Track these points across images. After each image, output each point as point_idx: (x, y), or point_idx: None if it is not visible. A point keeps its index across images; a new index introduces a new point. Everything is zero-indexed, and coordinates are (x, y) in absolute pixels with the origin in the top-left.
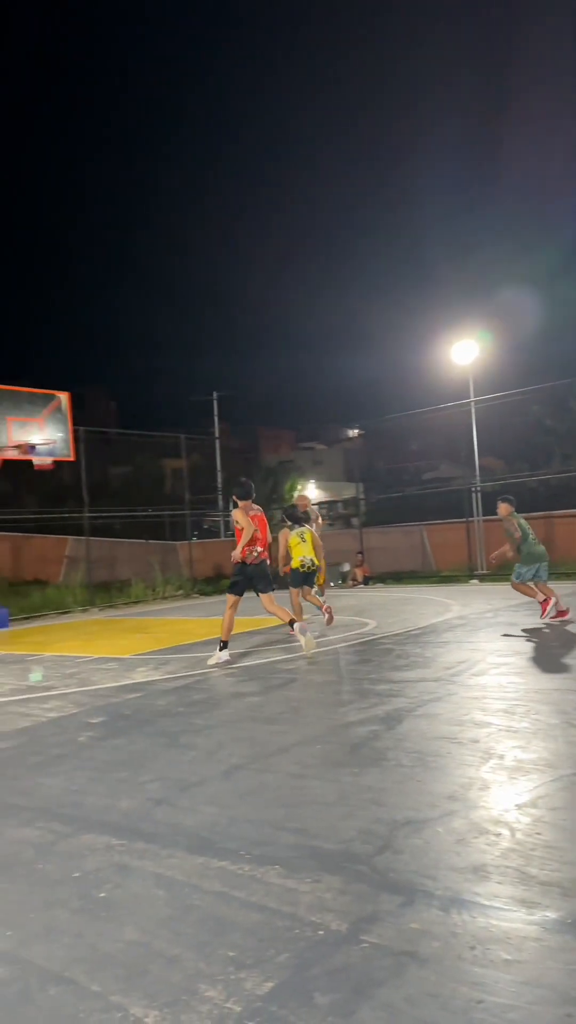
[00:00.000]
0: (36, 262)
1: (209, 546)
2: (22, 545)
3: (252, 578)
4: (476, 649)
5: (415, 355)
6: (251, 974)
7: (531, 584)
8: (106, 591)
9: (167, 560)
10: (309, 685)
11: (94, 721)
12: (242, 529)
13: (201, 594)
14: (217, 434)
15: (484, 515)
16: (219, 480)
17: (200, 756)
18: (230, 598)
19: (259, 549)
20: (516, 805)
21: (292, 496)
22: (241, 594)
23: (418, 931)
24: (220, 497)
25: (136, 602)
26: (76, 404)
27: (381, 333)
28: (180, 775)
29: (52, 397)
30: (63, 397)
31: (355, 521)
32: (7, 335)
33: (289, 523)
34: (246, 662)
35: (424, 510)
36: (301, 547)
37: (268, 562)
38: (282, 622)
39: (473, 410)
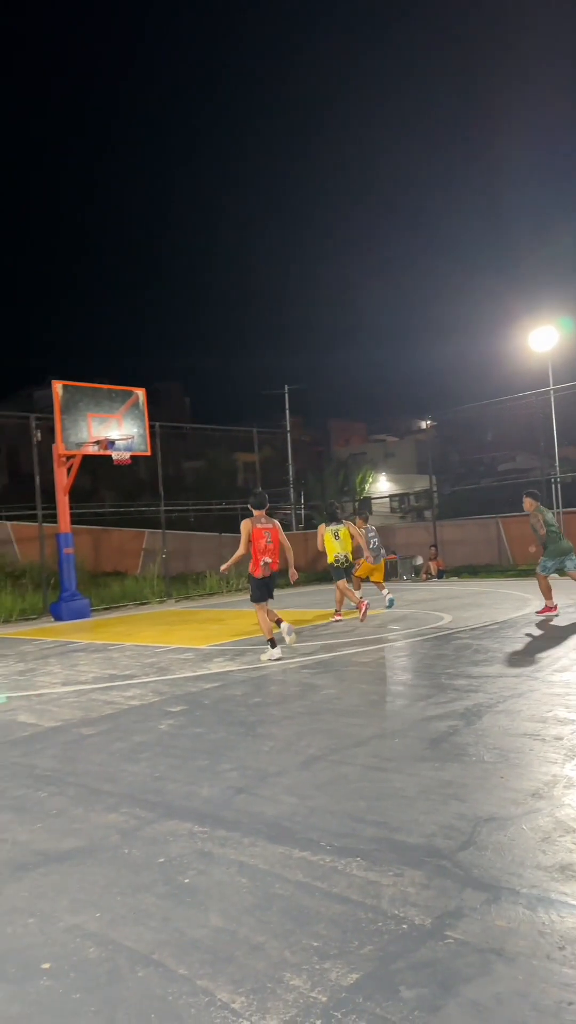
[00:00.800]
0: (114, 264)
1: None
2: (102, 538)
3: (267, 588)
4: (558, 645)
5: (490, 343)
6: (335, 965)
7: (555, 576)
8: (182, 583)
9: None
10: (385, 679)
11: (174, 710)
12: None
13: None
14: (288, 427)
15: (565, 507)
16: (291, 473)
17: (278, 746)
18: (256, 605)
19: (268, 560)
20: None
21: (363, 489)
22: (263, 599)
23: (504, 929)
24: (291, 490)
25: (211, 594)
26: (152, 400)
27: (455, 321)
28: (259, 764)
29: (130, 394)
30: (140, 393)
31: (428, 514)
32: (88, 334)
33: (325, 520)
34: (321, 655)
35: (500, 502)
36: (335, 544)
37: (276, 572)
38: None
39: (552, 398)
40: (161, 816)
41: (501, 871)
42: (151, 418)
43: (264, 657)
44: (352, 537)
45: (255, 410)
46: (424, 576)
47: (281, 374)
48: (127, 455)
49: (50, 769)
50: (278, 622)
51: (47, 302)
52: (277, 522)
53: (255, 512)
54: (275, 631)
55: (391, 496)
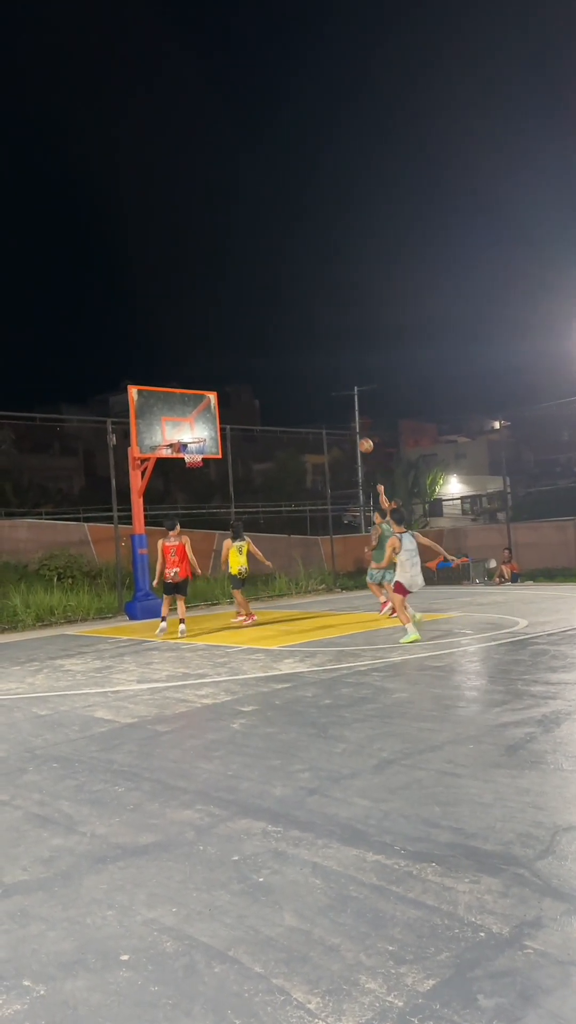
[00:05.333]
0: (186, 271)
1: (350, 541)
2: None
3: (176, 587)
4: None
5: (567, 340)
6: (411, 970)
7: (380, 584)
8: (251, 584)
9: (309, 554)
10: (459, 684)
11: (246, 709)
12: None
13: (343, 588)
14: (358, 429)
15: None
16: (360, 475)
17: (351, 749)
18: (164, 596)
19: (176, 571)
20: None
21: (434, 491)
22: (169, 593)
23: None
24: (360, 492)
25: (280, 595)
26: (222, 403)
27: (529, 318)
28: (331, 766)
29: (202, 398)
30: (211, 397)
31: (501, 516)
32: (161, 340)
33: (231, 537)
34: (392, 658)
35: None
36: (239, 558)
37: (186, 578)
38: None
39: None
40: (235, 814)
41: None
42: (222, 421)
43: (157, 631)
44: (252, 553)
45: (324, 412)
46: (497, 580)
47: (351, 375)
48: (199, 458)
49: (127, 764)
50: (163, 617)
51: (122, 310)
52: (186, 539)
53: (169, 533)
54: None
55: (462, 498)
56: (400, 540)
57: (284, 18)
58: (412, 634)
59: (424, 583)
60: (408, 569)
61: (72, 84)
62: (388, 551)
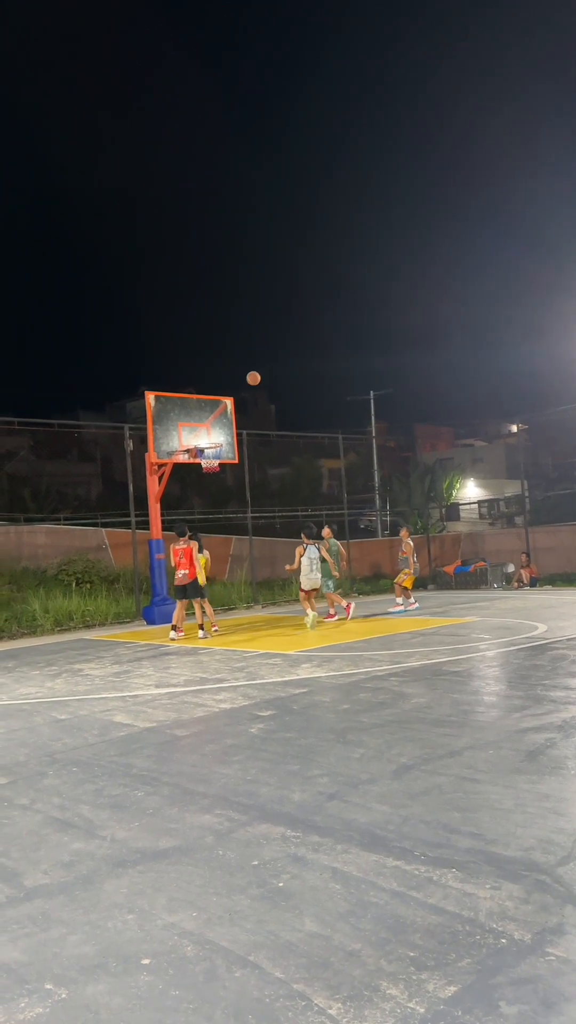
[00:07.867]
0: (202, 275)
1: (366, 545)
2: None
3: (185, 589)
4: None
5: None
6: (433, 976)
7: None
8: (268, 588)
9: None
10: (477, 689)
11: (264, 714)
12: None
13: (359, 593)
14: (374, 433)
15: None
16: (376, 479)
17: (369, 754)
18: (177, 601)
19: (184, 572)
20: None
21: (451, 495)
22: (180, 599)
23: None
24: (377, 496)
25: (297, 600)
26: (239, 408)
27: (546, 319)
28: (350, 771)
29: (218, 403)
30: (228, 402)
31: (519, 520)
32: (177, 344)
33: (198, 549)
34: (410, 663)
35: None
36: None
37: (195, 580)
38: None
39: None
40: (254, 819)
41: None
42: (238, 426)
43: (172, 635)
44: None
45: (340, 416)
46: (516, 584)
47: (366, 380)
48: (215, 463)
49: (146, 769)
50: (173, 627)
51: (138, 316)
52: (194, 544)
53: (181, 539)
54: (179, 624)
55: (480, 502)
56: (306, 549)
57: (292, 26)
58: (310, 620)
59: (318, 582)
60: (308, 574)
61: (81, 95)
62: (297, 557)
